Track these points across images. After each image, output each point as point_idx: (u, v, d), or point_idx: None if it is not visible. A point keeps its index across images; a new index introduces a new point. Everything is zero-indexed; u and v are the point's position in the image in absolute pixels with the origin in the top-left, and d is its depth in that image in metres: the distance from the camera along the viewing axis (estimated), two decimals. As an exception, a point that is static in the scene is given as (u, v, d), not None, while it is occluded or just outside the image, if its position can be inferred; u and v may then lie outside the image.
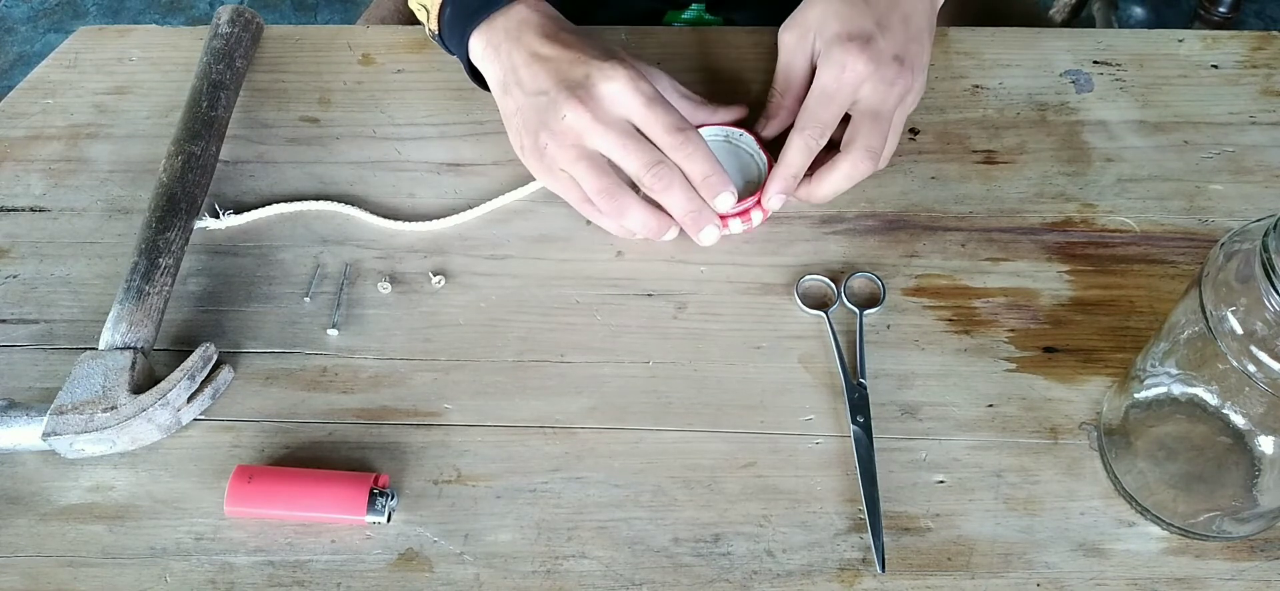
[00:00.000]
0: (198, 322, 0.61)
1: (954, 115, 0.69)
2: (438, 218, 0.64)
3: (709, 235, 0.60)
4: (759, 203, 0.62)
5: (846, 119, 0.61)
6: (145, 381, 0.56)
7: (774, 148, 0.65)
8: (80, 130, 0.70)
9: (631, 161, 0.58)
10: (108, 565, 0.52)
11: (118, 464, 0.55)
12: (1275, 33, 0.73)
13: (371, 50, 0.74)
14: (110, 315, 0.57)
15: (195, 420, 0.56)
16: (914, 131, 0.68)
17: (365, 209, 0.65)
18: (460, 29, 0.62)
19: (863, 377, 0.57)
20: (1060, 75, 0.71)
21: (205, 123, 0.66)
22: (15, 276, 0.63)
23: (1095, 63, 0.72)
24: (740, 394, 0.57)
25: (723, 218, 0.61)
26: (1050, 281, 0.61)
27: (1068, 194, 0.65)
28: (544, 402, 0.57)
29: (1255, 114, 0.69)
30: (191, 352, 0.56)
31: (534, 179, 0.65)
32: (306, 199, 0.65)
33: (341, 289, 0.62)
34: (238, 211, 0.65)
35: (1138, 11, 1.90)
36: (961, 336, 0.59)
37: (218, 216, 0.64)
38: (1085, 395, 0.56)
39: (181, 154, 0.64)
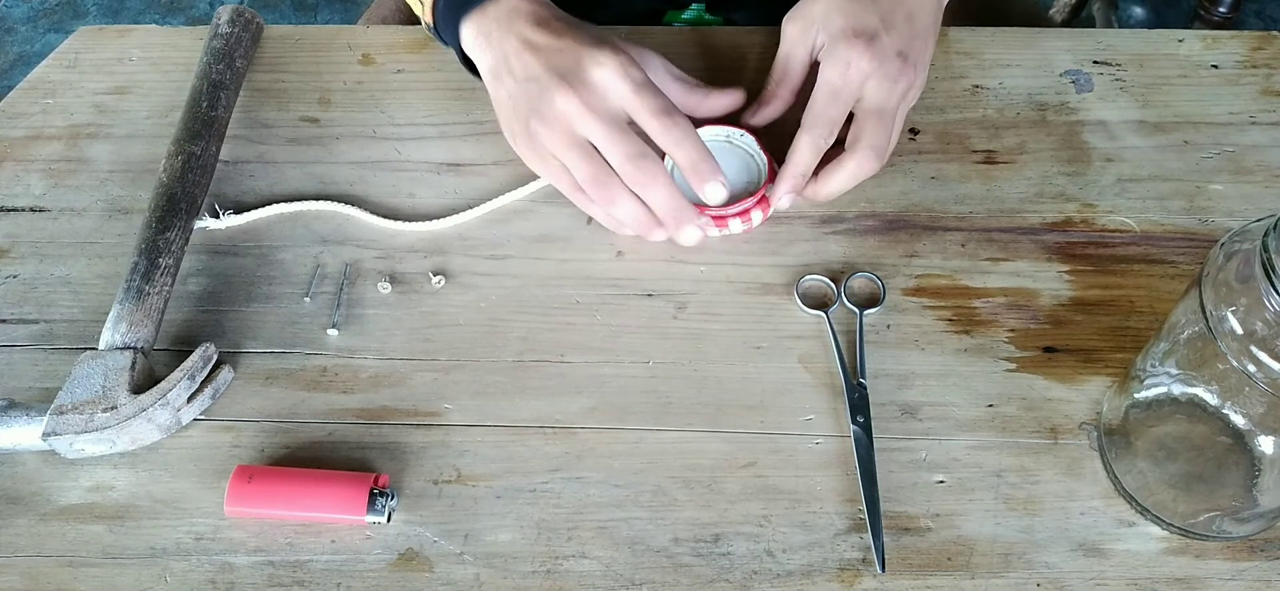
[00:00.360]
0: (198, 322, 0.61)
1: (954, 115, 0.69)
2: (438, 218, 0.64)
3: (689, 235, 0.59)
4: (759, 202, 0.62)
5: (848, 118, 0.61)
6: (145, 381, 0.56)
7: (773, 144, 0.65)
8: (80, 130, 0.70)
9: (616, 152, 0.57)
10: (108, 565, 0.52)
11: (118, 464, 0.55)
12: (1275, 33, 0.73)
13: (371, 50, 0.74)
14: (110, 315, 0.57)
15: (195, 420, 0.56)
16: (914, 131, 0.68)
17: (365, 209, 0.65)
18: (453, 17, 0.62)
19: (863, 377, 0.57)
20: (1060, 75, 0.71)
21: (205, 123, 0.66)
22: (15, 276, 0.63)
23: (1095, 63, 0.72)
24: (740, 394, 0.57)
25: (722, 218, 0.61)
26: (1050, 281, 0.61)
27: (1068, 194, 0.65)
28: (544, 402, 0.57)
29: (1255, 114, 0.69)
30: (191, 352, 0.56)
31: (535, 178, 0.65)
32: (306, 199, 0.65)
33: (341, 289, 0.62)
34: (238, 211, 0.65)
35: (1138, 11, 1.90)
36: (961, 336, 0.59)
37: (218, 216, 0.64)
38: (1085, 395, 0.56)
39: (181, 154, 0.64)
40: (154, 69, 0.73)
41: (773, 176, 0.63)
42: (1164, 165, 0.66)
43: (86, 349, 0.57)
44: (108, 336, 0.57)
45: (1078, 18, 1.46)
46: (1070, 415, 0.56)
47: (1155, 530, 0.52)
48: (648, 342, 0.59)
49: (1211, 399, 0.49)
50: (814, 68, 0.62)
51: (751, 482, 0.54)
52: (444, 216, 0.64)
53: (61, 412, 0.53)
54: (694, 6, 0.86)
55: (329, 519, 0.52)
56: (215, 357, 0.57)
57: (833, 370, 0.58)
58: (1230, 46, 0.73)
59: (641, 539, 0.52)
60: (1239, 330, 0.44)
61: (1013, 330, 0.59)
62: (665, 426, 0.56)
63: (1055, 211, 0.64)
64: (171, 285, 0.59)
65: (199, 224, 0.63)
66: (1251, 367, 0.44)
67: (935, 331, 0.59)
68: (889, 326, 0.59)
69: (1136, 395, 0.52)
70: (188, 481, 0.54)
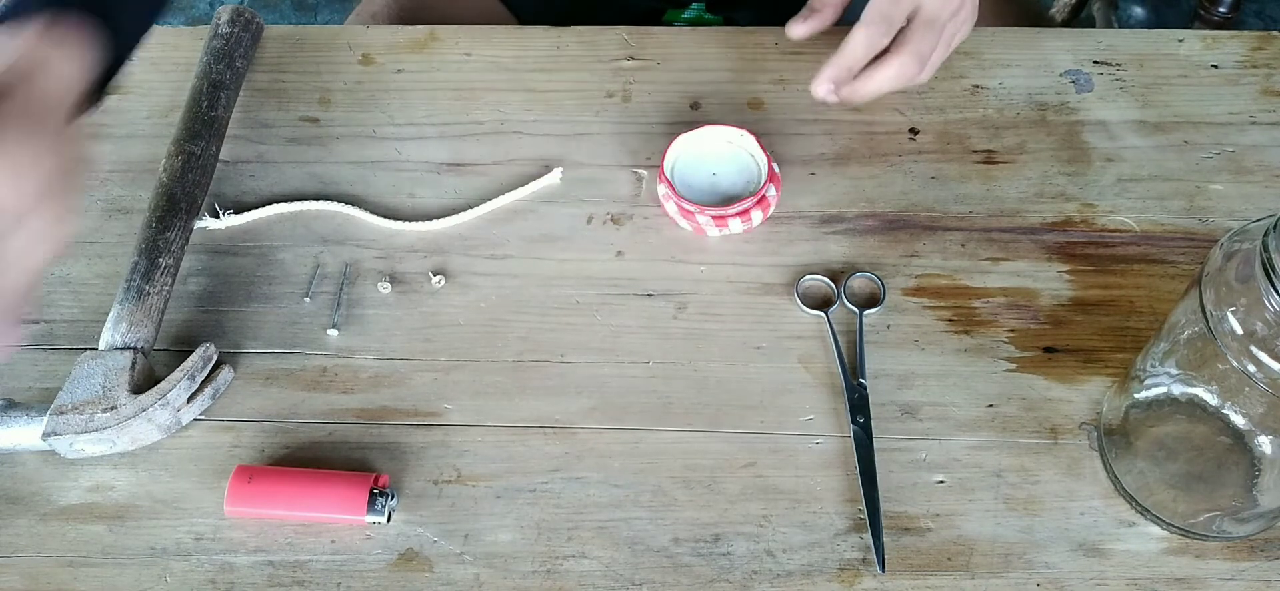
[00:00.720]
0: (198, 322, 0.61)
1: (954, 115, 0.69)
2: (438, 218, 0.64)
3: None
4: (759, 202, 0.62)
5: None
6: (145, 381, 0.56)
7: (773, 144, 0.65)
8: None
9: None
10: (108, 565, 0.52)
11: (118, 464, 0.55)
12: (1275, 33, 0.73)
13: (371, 50, 0.74)
14: (110, 315, 0.57)
15: (195, 420, 0.56)
16: (914, 131, 0.68)
17: (365, 209, 0.65)
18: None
19: (863, 377, 0.57)
20: (1060, 75, 0.71)
21: (205, 123, 0.66)
22: (15, 276, 0.63)
23: (1095, 63, 0.72)
24: (740, 394, 0.57)
25: (722, 218, 0.61)
26: (1050, 281, 0.61)
27: (1068, 194, 0.65)
28: (544, 402, 0.57)
29: (1255, 114, 0.69)
30: (191, 352, 0.56)
31: (535, 178, 0.65)
32: (306, 199, 0.65)
33: (341, 289, 0.62)
34: (238, 211, 0.65)
35: (1138, 11, 1.90)
36: (961, 336, 0.59)
37: (218, 216, 0.64)
38: (1085, 395, 0.56)
39: (181, 154, 0.64)
40: (154, 69, 0.73)
41: (773, 177, 0.63)
42: (1164, 165, 0.66)
43: (86, 349, 0.57)
44: (108, 336, 0.57)
45: (1078, 18, 1.46)
46: (1070, 415, 0.56)
47: (1155, 530, 0.52)
48: (648, 342, 0.59)
49: (1211, 399, 0.49)
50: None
51: (751, 482, 0.54)
52: (444, 216, 0.64)
53: (61, 412, 0.53)
54: (694, 6, 0.86)
55: (329, 519, 0.52)
56: (215, 357, 0.57)
57: (833, 370, 0.58)
58: (1230, 46, 0.73)
59: (641, 539, 0.52)
60: (1239, 330, 0.44)
61: (1013, 330, 0.59)
62: (665, 426, 0.56)
63: (1055, 211, 0.64)
64: (171, 285, 0.59)
65: (199, 224, 0.63)
66: (1251, 367, 0.44)
67: (935, 331, 0.59)
68: (889, 326, 0.59)
69: (1136, 395, 0.52)
70: (188, 481, 0.54)
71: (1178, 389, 0.50)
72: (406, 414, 0.57)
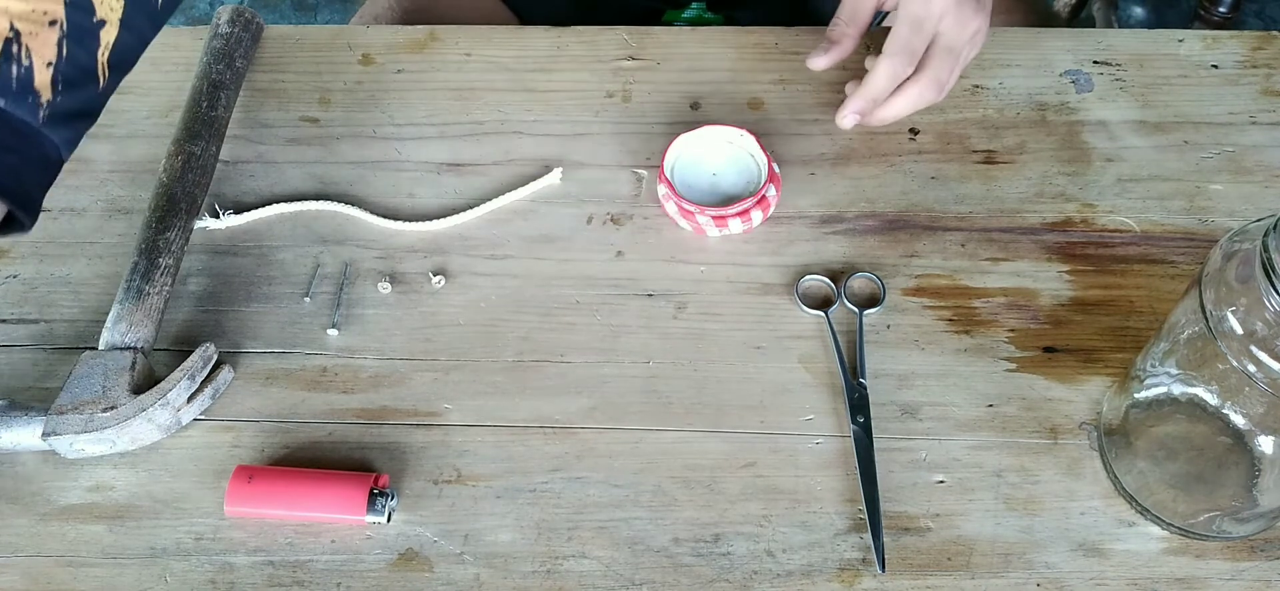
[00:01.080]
0: (198, 322, 0.61)
1: (954, 115, 0.69)
2: (438, 218, 0.64)
3: None
4: (759, 202, 0.62)
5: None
6: (145, 381, 0.56)
7: (773, 145, 0.65)
8: (80, 130, 0.70)
9: None
10: (108, 565, 0.52)
11: (118, 464, 0.55)
12: (1275, 33, 0.73)
13: (371, 50, 0.74)
14: (110, 315, 0.57)
15: (195, 420, 0.56)
16: (914, 131, 0.68)
17: (365, 209, 0.65)
18: None
19: (863, 377, 0.57)
20: (1060, 75, 0.71)
21: (205, 123, 0.66)
22: (15, 276, 0.63)
23: (1095, 63, 0.72)
24: (740, 394, 0.57)
25: (722, 218, 0.61)
26: (1050, 281, 0.61)
27: (1068, 194, 0.65)
28: (544, 402, 0.57)
29: (1255, 114, 0.69)
30: (191, 352, 0.56)
31: (535, 178, 0.65)
32: (306, 199, 0.65)
33: (341, 289, 0.62)
34: (238, 211, 0.65)
35: (1138, 11, 1.90)
36: (961, 336, 0.59)
37: (218, 216, 0.64)
38: (1085, 395, 0.56)
39: (181, 154, 0.64)
40: (154, 69, 0.73)
41: (773, 177, 0.63)
42: (1164, 165, 0.66)
43: (86, 349, 0.57)
44: (108, 336, 0.57)
45: (1078, 17, 1.46)
46: (1070, 415, 0.56)
47: (1155, 530, 0.52)
48: (648, 342, 0.59)
49: (1211, 399, 0.49)
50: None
51: (751, 482, 0.54)
52: (444, 216, 0.64)
53: (61, 412, 0.53)
54: (694, 5, 0.86)
55: (329, 519, 0.52)
56: (215, 357, 0.57)
57: (833, 370, 0.58)
58: (1230, 46, 0.73)
59: (641, 539, 0.52)
60: (1239, 330, 0.44)
61: (1013, 330, 0.59)
62: (665, 426, 0.56)
63: (1055, 211, 0.64)
64: (171, 285, 0.59)
65: (199, 224, 0.63)
66: (1251, 367, 0.43)
67: (935, 331, 0.59)
68: (889, 326, 0.59)
69: (1136, 395, 0.52)
70: (188, 481, 0.54)
71: (1178, 389, 0.50)
72: (406, 414, 0.57)
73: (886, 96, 0.63)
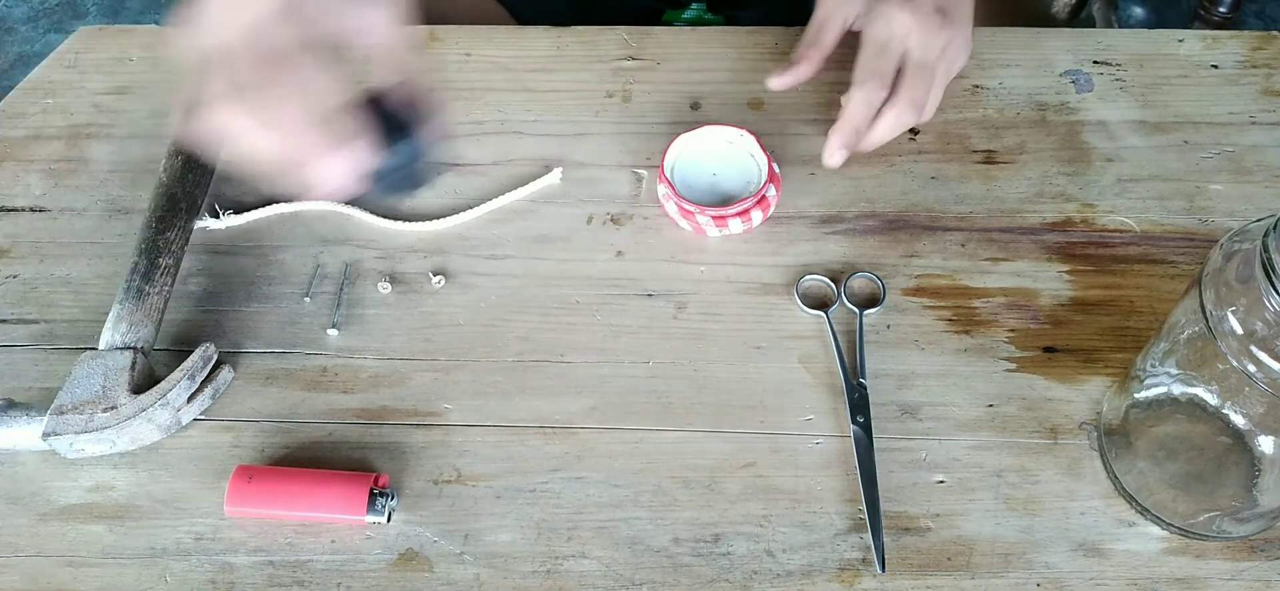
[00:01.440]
0: (198, 322, 0.61)
1: (954, 115, 0.69)
2: (438, 218, 0.64)
3: (324, 190, 0.48)
4: (759, 202, 0.62)
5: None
6: (145, 381, 0.56)
7: (773, 145, 0.65)
8: (80, 130, 0.70)
9: (243, 74, 0.47)
10: (108, 565, 0.52)
11: (118, 464, 0.55)
12: (1275, 33, 0.73)
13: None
14: (110, 315, 0.57)
15: (195, 420, 0.56)
16: (914, 131, 0.68)
17: (365, 209, 0.65)
18: None
19: (863, 377, 0.57)
20: (1060, 75, 0.71)
21: (205, 123, 0.66)
22: (15, 276, 0.63)
23: (1095, 63, 0.72)
24: (740, 394, 0.57)
25: (722, 218, 0.61)
26: (1050, 281, 0.61)
27: (1068, 194, 0.65)
28: (544, 402, 0.57)
29: (1255, 114, 0.69)
30: (191, 352, 0.56)
31: (535, 178, 0.65)
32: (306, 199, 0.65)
33: (341, 289, 0.62)
34: (238, 211, 0.65)
35: (1138, 11, 1.90)
36: (961, 336, 0.59)
37: (218, 216, 0.64)
38: (1085, 395, 0.56)
39: (181, 154, 0.64)
40: (154, 69, 0.73)
41: (773, 177, 0.63)
42: (1164, 165, 0.66)
43: (86, 349, 0.57)
44: (108, 336, 0.56)
45: (1078, 17, 1.46)
46: (1070, 415, 0.56)
47: (1155, 530, 0.52)
48: (648, 342, 0.59)
49: (1211, 399, 0.49)
50: (846, 39, 0.65)
51: (751, 482, 0.54)
52: (444, 216, 0.64)
53: (61, 412, 0.53)
54: (694, 6, 0.86)
55: (329, 519, 0.52)
56: (215, 357, 0.57)
57: (833, 370, 0.58)
58: (1230, 46, 0.73)
59: (641, 539, 0.52)
60: (1239, 330, 0.44)
61: (1013, 330, 0.59)
62: (665, 426, 0.56)
63: (1055, 211, 0.64)
64: (171, 285, 0.59)
65: (199, 224, 0.63)
66: (1251, 367, 0.43)
67: (935, 331, 0.59)
68: (889, 326, 0.59)
69: (1136, 395, 0.52)
70: (188, 481, 0.54)
71: (1178, 389, 0.50)
72: (406, 414, 0.57)
73: (867, 123, 0.63)
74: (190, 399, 0.55)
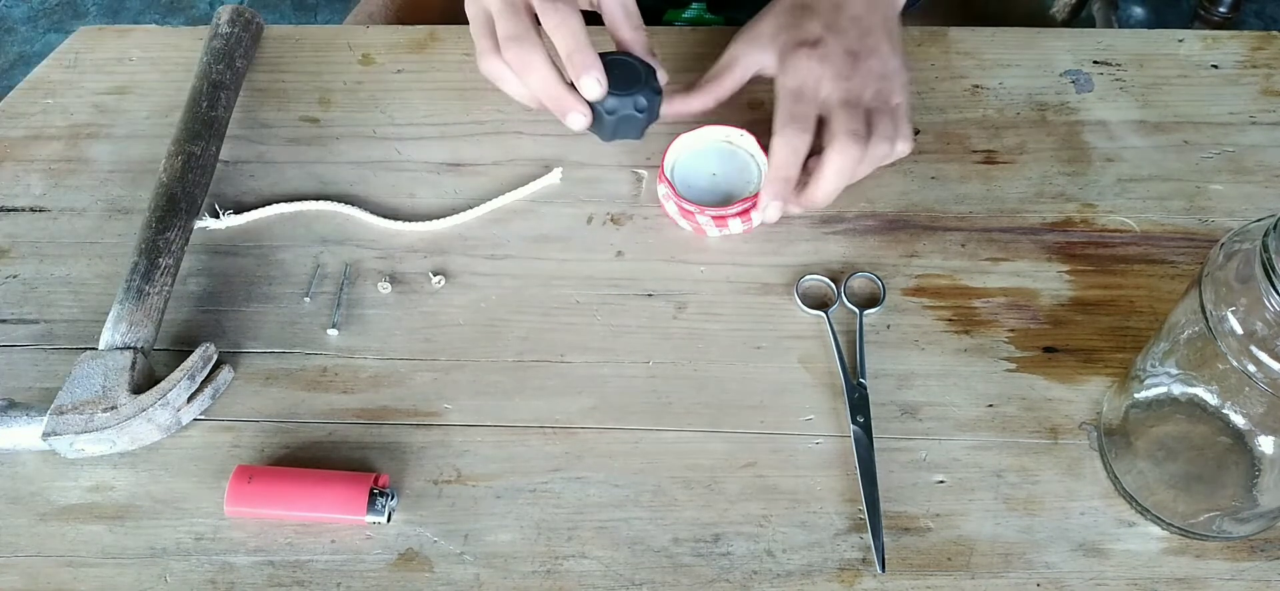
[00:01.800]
0: (198, 322, 0.61)
1: (954, 115, 0.69)
2: (438, 218, 0.64)
3: (574, 121, 0.59)
4: (743, 212, 0.62)
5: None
6: (145, 381, 0.56)
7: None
8: (80, 130, 0.70)
9: (502, 26, 0.58)
10: (108, 565, 0.52)
11: (118, 464, 0.55)
12: (1275, 33, 0.73)
13: (371, 50, 0.74)
14: (110, 315, 0.57)
15: (195, 420, 0.56)
16: (915, 131, 0.68)
17: (365, 209, 0.65)
18: None
19: (863, 377, 0.57)
20: (1060, 75, 0.71)
21: (205, 123, 0.66)
22: (15, 276, 0.63)
23: (1095, 63, 0.72)
24: (740, 394, 0.57)
25: (722, 218, 0.61)
26: (1050, 281, 0.61)
27: (1068, 194, 0.65)
28: (544, 402, 0.57)
29: (1255, 114, 0.69)
30: (191, 352, 0.56)
31: (535, 178, 0.65)
32: (306, 199, 0.65)
33: (341, 289, 0.62)
34: (238, 211, 0.65)
35: (1138, 11, 1.90)
36: (961, 336, 0.59)
37: (218, 216, 0.64)
38: (1085, 395, 0.56)
39: (181, 154, 0.64)
40: (154, 69, 0.73)
41: None
42: (1164, 165, 0.66)
43: (86, 349, 0.57)
44: (108, 336, 0.56)
45: (1078, 18, 1.46)
46: (1070, 415, 0.56)
47: (1155, 530, 0.52)
48: (648, 342, 0.59)
49: (1211, 399, 0.49)
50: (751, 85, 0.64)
51: (751, 482, 0.54)
52: (444, 216, 0.64)
53: (61, 412, 0.53)
54: (694, 5, 0.86)
55: (329, 519, 0.52)
56: (215, 357, 0.57)
57: (833, 370, 0.58)
58: (1230, 46, 0.73)
59: (641, 539, 0.52)
60: (1239, 330, 0.44)
61: (1013, 330, 0.59)
62: (665, 426, 0.56)
63: (1055, 211, 0.64)
64: (171, 285, 0.59)
65: (199, 224, 0.63)
66: (1251, 367, 0.43)
67: (935, 331, 0.59)
68: (889, 326, 0.59)
69: (1136, 395, 0.52)
70: (188, 481, 0.54)
71: (1178, 389, 0.50)
72: (406, 414, 0.57)
73: (796, 171, 0.59)
74: (190, 399, 0.55)
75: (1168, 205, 0.64)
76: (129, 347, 0.56)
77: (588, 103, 0.59)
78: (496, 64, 0.60)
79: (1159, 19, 1.88)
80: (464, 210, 0.64)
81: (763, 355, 0.58)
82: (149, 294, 0.58)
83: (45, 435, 0.53)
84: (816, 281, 0.61)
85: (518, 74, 0.59)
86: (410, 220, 0.64)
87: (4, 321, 0.61)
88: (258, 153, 0.68)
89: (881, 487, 0.53)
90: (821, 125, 0.60)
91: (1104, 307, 0.60)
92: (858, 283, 0.61)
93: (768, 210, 0.60)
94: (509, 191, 0.65)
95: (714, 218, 0.62)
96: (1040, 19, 0.96)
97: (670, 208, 0.63)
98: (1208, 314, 0.45)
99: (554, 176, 0.66)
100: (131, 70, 0.73)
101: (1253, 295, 0.43)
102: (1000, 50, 0.73)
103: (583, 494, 0.53)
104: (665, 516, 0.53)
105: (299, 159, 0.68)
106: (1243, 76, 0.71)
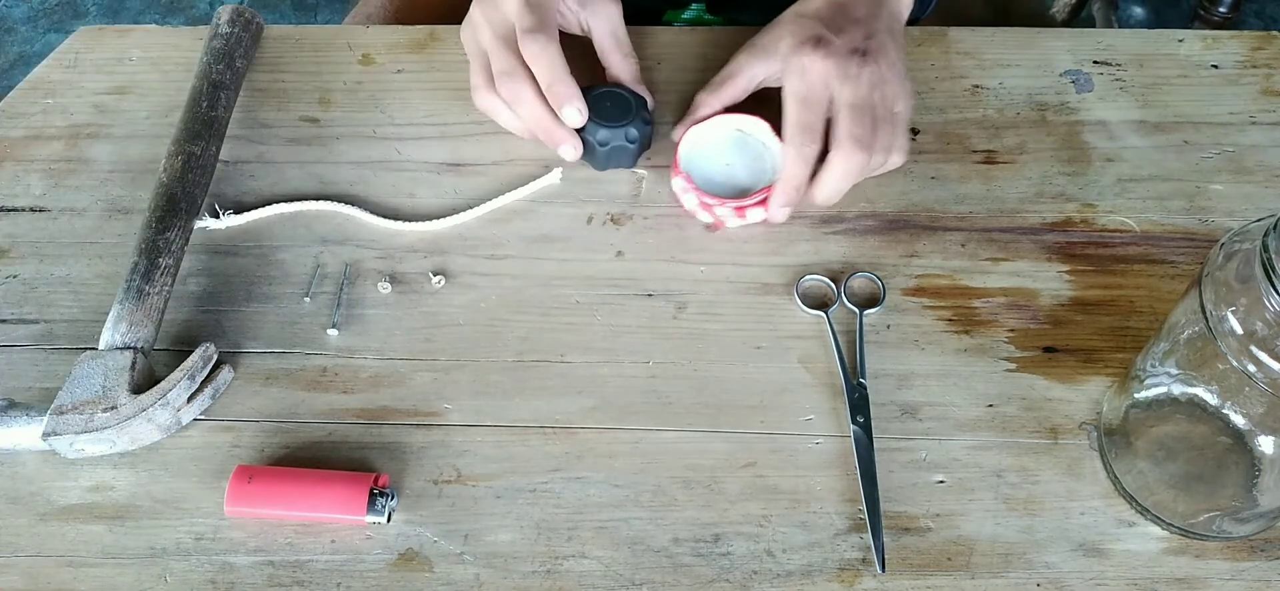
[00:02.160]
0: (198, 322, 0.61)
1: (954, 115, 0.69)
2: (438, 218, 0.64)
3: (566, 152, 0.64)
4: (763, 201, 0.62)
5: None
6: (145, 381, 0.56)
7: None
8: (80, 130, 0.70)
9: (495, 62, 0.63)
10: (108, 565, 0.52)
11: (118, 464, 0.55)
12: (1275, 33, 0.73)
13: (371, 50, 0.74)
14: (110, 315, 0.57)
15: (195, 420, 0.56)
16: (914, 131, 0.68)
17: (365, 209, 0.65)
18: None
19: (863, 377, 0.57)
20: (1060, 75, 0.71)
21: (205, 123, 0.66)
22: (15, 276, 0.63)
23: (1095, 63, 0.72)
24: (740, 394, 0.57)
25: (742, 208, 0.61)
26: (1050, 281, 0.61)
27: (1068, 194, 0.65)
28: (544, 402, 0.57)
29: (1255, 114, 0.69)
30: (191, 352, 0.56)
31: (535, 178, 0.65)
32: (306, 199, 0.65)
33: (341, 289, 0.62)
34: (238, 211, 0.65)
35: (1138, 11, 1.90)
36: (961, 336, 0.59)
37: (218, 216, 0.64)
38: (1085, 395, 0.56)
39: (181, 154, 0.64)
40: (154, 69, 0.73)
41: None
42: (1164, 165, 0.66)
43: (86, 349, 0.57)
44: (108, 336, 0.56)
45: (1078, 18, 1.46)
46: (1070, 415, 0.56)
47: (1155, 530, 0.52)
48: (648, 342, 0.59)
49: (1211, 399, 0.49)
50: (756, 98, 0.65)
51: (751, 482, 0.54)
52: (444, 216, 0.64)
53: (61, 412, 0.53)
54: (694, 6, 0.86)
55: (329, 519, 0.52)
56: (215, 357, 0.57)
57: (833, 370, 0.58)
58: (1230, 46, 0.73)
59: (641, 539, 0.52)
60: (1239, 330, 0.44)
61: (1013, 330, 0.59)
62: (665, 426, 0.56)
63: (1055, 211, 0.64)
64: (171, 285, 0.59)
65: (199, 224, 0.63)
66: (1251, 367, 0.44)
67: (935, 331, 0.59)
68: (889, 326, 0.59)
69: (1136, 395, 0.52)
70: (188, 481, 0.54)
71: (1178, 389, 0.50)
72: (406, 414, 0.57)
73: (806, 179, 0.60)
74: (190, 399, 0.55)
75: (1168, 205, 0.64)
76: (129, 347, 0.56)
77: (582, 135, 0.63)
78: (491, 98, 0.64)
79: (1159, 19, 1.88)
80: (464, 210, 0.64)
81: (763, 355, 0.58)
82: (149, 294, 0.58)
83: (45, 435, 0.53)
84: (816, 281, 0.61)
85: (510, 107, 0.63)
86: (410, 220, 0.64)
87: (4, 321, 0.61)
88: (258, 153, 0.68)
89: (881, 487, 0.53)
90: (827, 126, 0.61)
91: (1104, 307, 0.60)
92: (858, 282, 0.61)
93: (777, 213, 0.62)
94: (509, 191, 0.65)
95: (735, 209, 0.61)
96: (1040, 19, 0.96)
97: (688, 201, 0.63)
98: (1208, 314, 0.45)
99: (554, 176, 0.66)
100: (131, 70, 0.73)
101: (1253, 295, 0.43)
102: (1000, 50, 0.73)
103: (583, 494, 0.53)
104: (665, 516, 0.53)
105: (299, 159, 0.68)
106: (1243, 76, 0.71)
